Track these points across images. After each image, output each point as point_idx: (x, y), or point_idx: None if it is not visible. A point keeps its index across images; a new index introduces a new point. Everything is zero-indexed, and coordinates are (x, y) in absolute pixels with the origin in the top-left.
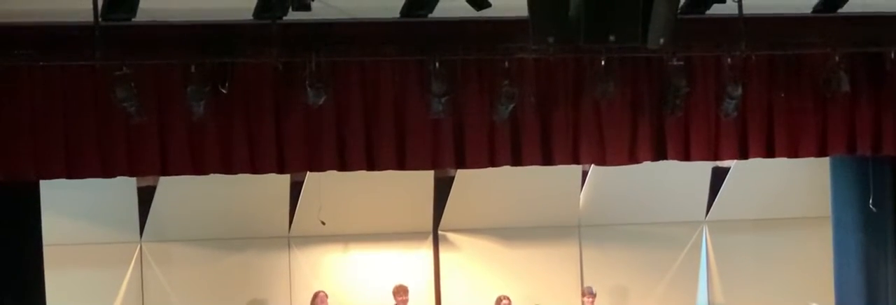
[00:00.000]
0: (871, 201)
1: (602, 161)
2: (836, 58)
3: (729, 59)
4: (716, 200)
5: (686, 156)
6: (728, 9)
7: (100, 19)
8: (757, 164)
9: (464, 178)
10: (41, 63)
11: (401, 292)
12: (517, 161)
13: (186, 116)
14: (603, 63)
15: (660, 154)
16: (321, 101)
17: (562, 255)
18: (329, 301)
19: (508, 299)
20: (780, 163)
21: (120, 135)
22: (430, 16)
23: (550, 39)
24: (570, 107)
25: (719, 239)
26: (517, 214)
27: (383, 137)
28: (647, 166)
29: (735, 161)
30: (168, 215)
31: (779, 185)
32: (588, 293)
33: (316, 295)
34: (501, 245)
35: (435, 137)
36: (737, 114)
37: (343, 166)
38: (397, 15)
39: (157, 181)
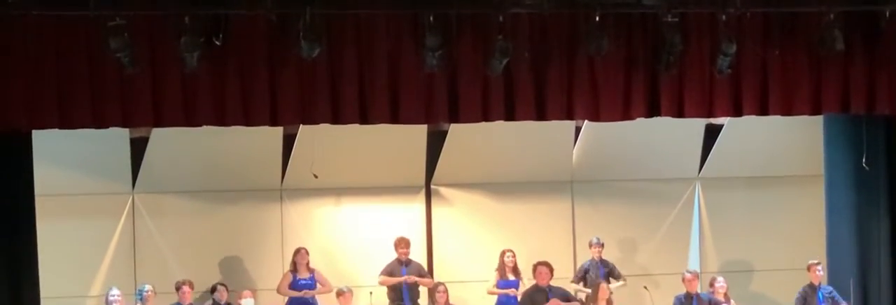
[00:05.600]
0: (864, 159)
1: (596, 117)
2: (831, 17)
3: (724, 16)
4: (709, 157)
5: (680, 113)
6: None
7: None
8: (750, 122)
9: (457, 133)
10: (35, 12)
11: (402, 244)
12: (510, 116)
13: (180, 68)
14: (597, 19)
15: (653, 110)
16: (315, 54)
17: (554, 211)
18: (321, 254)
19: (512, 251)
20: (774, 121)
21: (113, 86)
22: None
23: None
24: (564, 62)
25: (712, 196)
26: (510, 169)
27: (377, 91)
28: (641, 122)
29: (729, 118)
30: (160, 166)
31: (772, 143)
32: (596, 244)
33: (297, 251)
34: (494, 200)
35: (428, 91)
36: (731, 71)
37: (336, 119)
38: None
39: (149, 132)
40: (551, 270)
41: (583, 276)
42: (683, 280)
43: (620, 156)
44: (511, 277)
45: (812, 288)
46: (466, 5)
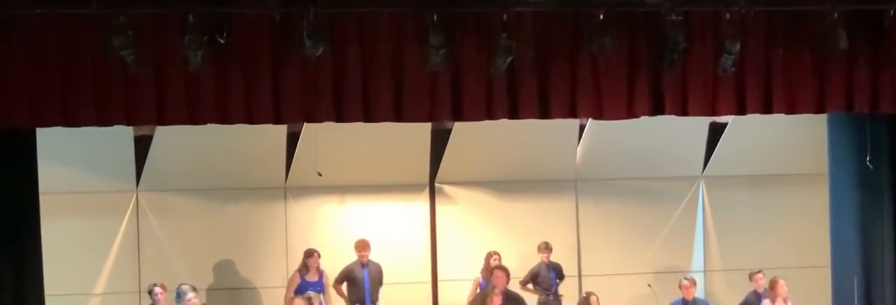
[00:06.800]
0: (867, 158)
1: (599, 115)
2: (835, 15)
3: (728, 15)
4: (713, 156)
5: (684, 111)
6: None
7: None
8: (754, 120)
9: (461, 131)
10: (38, 11)
11: (361, 246)
12: (514, 114)
13: (183, 66)
14: (601, 17)
15: (657, 108)
16: (319, 53)
17: (558, 209)
18: (325, 252)
19: (498, 255)
20: (778, 120)
21: (117, 84)
22: None
23: None
24: (567, 60)
25: (716, 194)
26: (514, 167)
27: (381, 89)
28: (645, 121)
29: (733, 116)
30: (164, 165)
31: (776, 141)
32: (545, 248)
33: (311, 254)
34: (498, 198)
35: (432, 89)
36: (735, 69)
37: (340, 117)
38: None
39: (153, 130)
40: (508, 274)
41: (532, 279)
42: (680, 286)
43: (624, 155)
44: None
45: (755, 296)
46: (470, 4)
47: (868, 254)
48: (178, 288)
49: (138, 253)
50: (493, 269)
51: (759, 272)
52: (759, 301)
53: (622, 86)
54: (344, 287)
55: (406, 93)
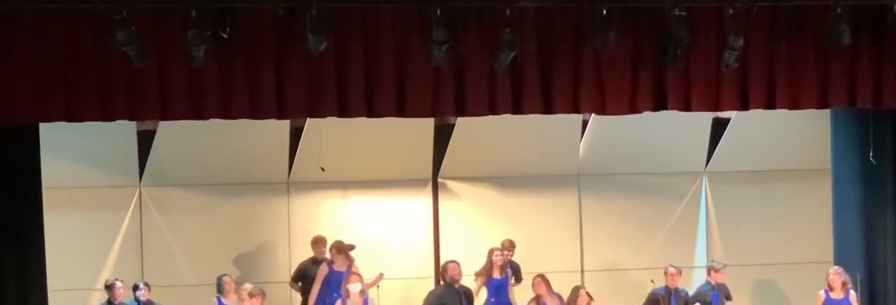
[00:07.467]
0: (870, 154)
1: (602, 110)
2: (838, 10)
3: (731, 10)
4: (716, 151)
5: (686, 107)
6: None
7: None
8: (758, 115)
9: (464, 126)
10: (42, 5)
11: (320, 243)
12: (517, 109)
13: (186, 61)
14: (604, 12)
15: (660, 104)
16: (322, 48)
17: (561, 204)
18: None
19: (500, 250)
20: (781, 115)
21: (120, 79)
22: None
23: None
24: (570, 56)
25: (719, 189)
26: (517, 163)
27: (383, 84)
28: (648, 116)
29: (736, 112)
30: (167, 160)
31: (779, 137)
32: (509, 246)
33: (331, 248)
34: (501, 193)
35: (435, 85)
36: (738, 65)
37: (343, 112)
38: None
39: (156, 125)
40: (459, 267)
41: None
42: (665, 273)
43: (627, 150)
44: (497, 275)
45: (709, 287)
46: None
47: (871, 250)
48: (218, 280)
49: (141, 248)
50: (445, 264)
51: (723, 266)
52: (713, 292)
53: (625, 82)
54: (300, 286)
55: (409, 88)
